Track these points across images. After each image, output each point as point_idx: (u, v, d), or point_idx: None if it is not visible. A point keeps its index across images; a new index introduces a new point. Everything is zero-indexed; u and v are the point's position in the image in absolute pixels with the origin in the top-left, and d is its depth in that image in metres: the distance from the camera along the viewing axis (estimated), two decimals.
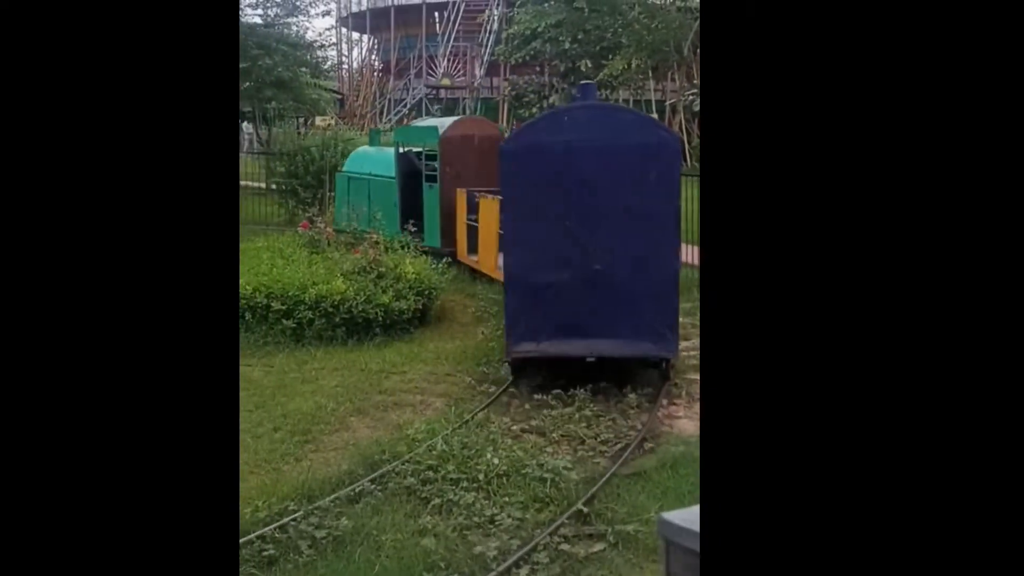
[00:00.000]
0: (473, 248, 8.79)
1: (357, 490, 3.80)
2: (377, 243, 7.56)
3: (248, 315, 6.45)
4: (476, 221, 8.53)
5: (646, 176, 5.56)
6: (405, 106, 24.65)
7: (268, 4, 21.18)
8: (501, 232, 6.85)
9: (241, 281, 6.54)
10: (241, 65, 20.08)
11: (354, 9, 29.82)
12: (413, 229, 8.76)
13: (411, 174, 10.08)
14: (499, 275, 7.14)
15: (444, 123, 9.81)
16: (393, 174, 10.19)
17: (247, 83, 20.71)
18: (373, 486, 3.85)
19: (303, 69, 21.51)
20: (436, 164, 9.51)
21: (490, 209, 7.98)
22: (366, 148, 12.01)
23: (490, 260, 8.13)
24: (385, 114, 26.39)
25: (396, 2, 27.03)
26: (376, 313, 6.60)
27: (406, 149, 10.26)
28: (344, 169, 11.34)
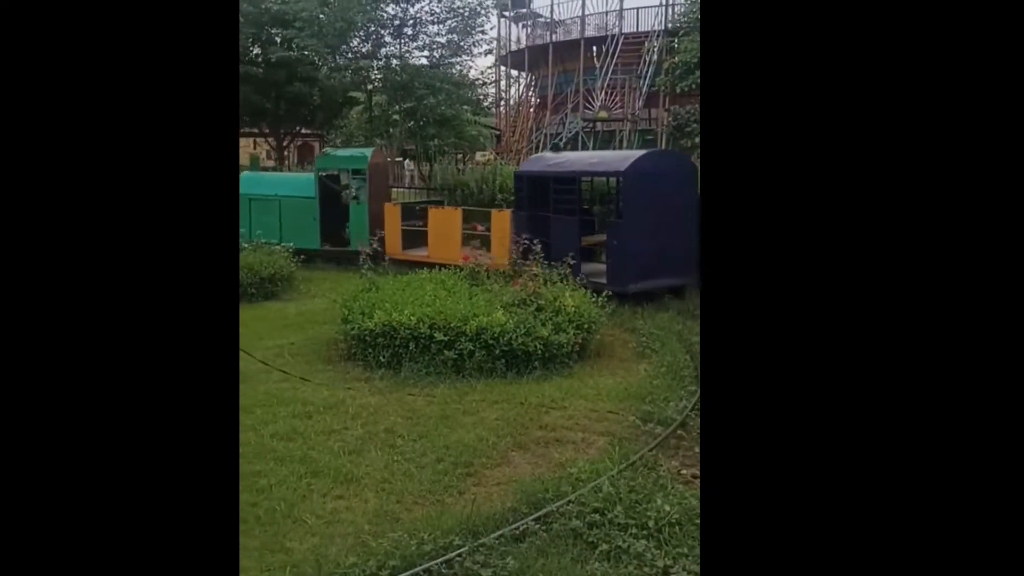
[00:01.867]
0: (411, 245, 12.23)
1: (521, 529, 3.72)
2: (536, 276, 7.58)
3: (412, 345, 6.64)
4: (418, 227, 12.17)
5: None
6: (561, 140, 24.97)
7: (434, 46, 22.31)
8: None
9: (406, 312, 6.77)
10: (406, 105, 21.29)
11: (513, 48, 30.80)
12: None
13: (329, 194, 13.13)
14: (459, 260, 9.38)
15: (630, 156, 9.78)
16: (307, 195, 13.07)
17: (411, 122, 21.85)
18: (537, 526, 3.76)
19: (464, 107, 22.40)
20: (364, 184, 12.78)
21: (446, 215, 11.85)
22: (254, 173, 14.45)
23: (451, 252, 11.19)
24: (541, 148, 26.87)
25: (555, 39, 27.61)
26: (536, 346, 6.58)
27: (326, 173, 13.19)
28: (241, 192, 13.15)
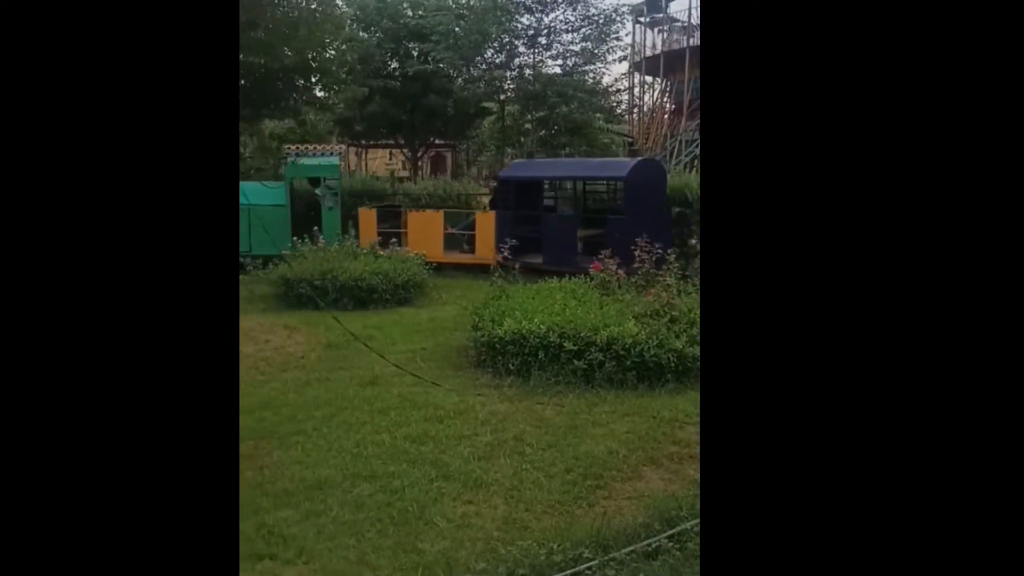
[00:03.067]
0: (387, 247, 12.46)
1: (654, 546, 3.64)
2: (669, 286, 7.43)
3: (541, 353, 6.67)
4: (392, 228, 13.25)
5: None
6: (697, 146, 24.38)
7: (568, 54, 22.44)
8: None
9: (535, 320, 6.81)
10: (538, 113, 21.53)
11: (648, 53, 30.44)
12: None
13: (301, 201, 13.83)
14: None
15: (626, 164, 12.01)
16: (273, 202, 13.60)
17: (543, 131, 22.05)
18: (671, 544, 3.66)
19: (597, 114, 22.33)
20: (336, 190, 13.55)
21: (428, 218, 13.50)
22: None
23: (433, 251, 12.75)
24: (676, 155, 26.36)
25: (692, 43, 27.05)
26: (669, 358, 6.44)
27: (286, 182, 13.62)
28: None
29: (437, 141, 26.19)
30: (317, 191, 13.92)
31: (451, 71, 21.84)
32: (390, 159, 30.48)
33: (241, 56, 15.52)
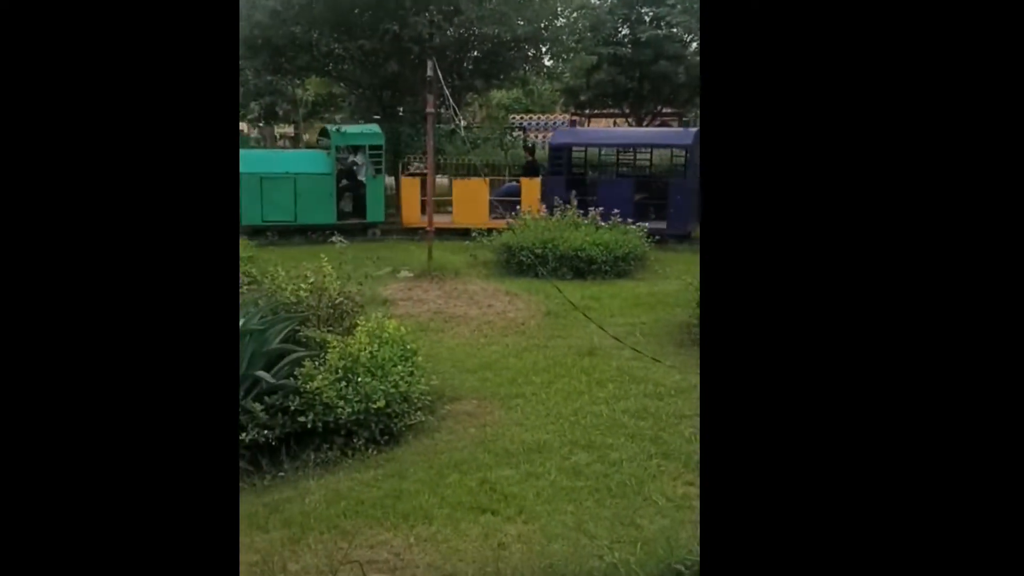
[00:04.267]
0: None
1: None
2: None
3: None
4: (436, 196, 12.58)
5: None
6: None
7: None
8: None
9: None
10: None
11: None
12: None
13: (343, 170, 13.85)
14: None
15: (688, 133, 13.48)
16: (319, 171, 13.66)
17: None
18: None
19: None
20: (381, 158, 13.94)
21: (473, 185, 14.23)
22: (255, 151, 15.21)
23: (479, 217, 13.40)
24: None
25: None
26: None
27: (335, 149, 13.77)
28: (241, 170, 13.70)
29: (665, 110, 25.65)
30: (356, 159, 14.13)
31: (685, 36, 21.19)
32: (613, 127, 30.36)
33: (475, 28, 16.17)
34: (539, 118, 16.00)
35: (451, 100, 13.01)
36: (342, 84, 19.25)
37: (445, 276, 9.97)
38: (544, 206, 12.75)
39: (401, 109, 17.61)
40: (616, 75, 22.00)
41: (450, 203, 14.62)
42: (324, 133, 15.57)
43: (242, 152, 13.88)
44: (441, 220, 14.17)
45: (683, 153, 14.35)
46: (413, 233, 13.73)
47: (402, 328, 5.69)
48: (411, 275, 10.23)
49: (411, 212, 14.22)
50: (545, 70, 20.25)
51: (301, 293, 5.84)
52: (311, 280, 5.99)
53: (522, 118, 16.12)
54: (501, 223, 14.17)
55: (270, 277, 6.23)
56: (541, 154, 17.13)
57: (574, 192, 12.23)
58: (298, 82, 20.30)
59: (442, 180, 16.85)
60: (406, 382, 5.07)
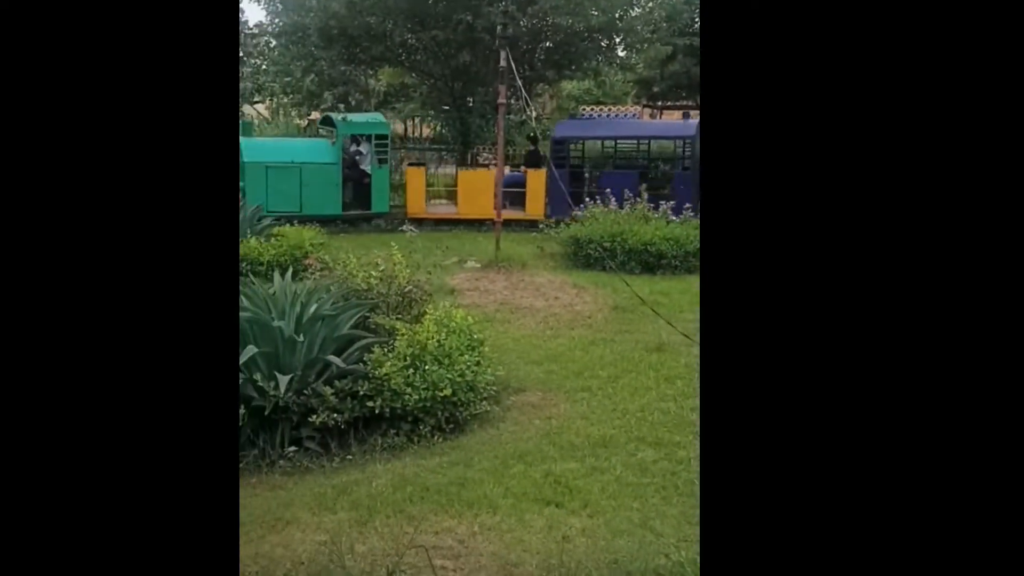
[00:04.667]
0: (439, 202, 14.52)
1: None
2: None
3: None
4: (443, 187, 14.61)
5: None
6: None
7: None
8: None
9: None
10: None
11: None
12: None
13: (347, 160, 13.70)
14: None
15: (690, 125, 13.27)
16: (324, 160, 13.52)
17: None
18: None
19: None
20: (386, 148, 14.08)
21: (479, 176, 14.71)
22: (259, 139, 14.73)
23: (484, 208, 13.38)
24: None
25: None
26: None
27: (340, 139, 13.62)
28: (246, 160, 12.96)
29: None
30: (360, 148, 13.96)
31: None
32: (685, 119, 29.83)
33: (549, 18, 16.12)
34: (610, 110, 15.83)
35: (523, 91, 13.02)
36: (414, 74, 19.46)
37: (512, 267, 10.01)
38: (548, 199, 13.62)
39: (471, 100, 17.71)
40: (691, 66, 21.62)
41: (454, 194, 14.75)
42: (327, 121, 15.41)
43: (247, 140, 13.60)
44: (446, 211, 14.52)
45: (685, 144, 14.63)
46: (419, 224, 13.55)
47: (469, 318, 5.75)
48: (478, 265, 10.30)
49: (416, 202, 14.27)
50: (618, 61, 20.07)
51: (371, 280, 5.95)
52: (381, 268, 6.10)
53: (592, 109, 15.94)
54: (509, 214, 14.35)
55: (342, 264, 6.37)
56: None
57: (575, 183, 13.01)
58: (371, 72, 20.62)
59: (448, 170, 16.93)
60: (472, 371, 5.11)
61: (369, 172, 13.95)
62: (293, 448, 4.65)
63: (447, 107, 18.61)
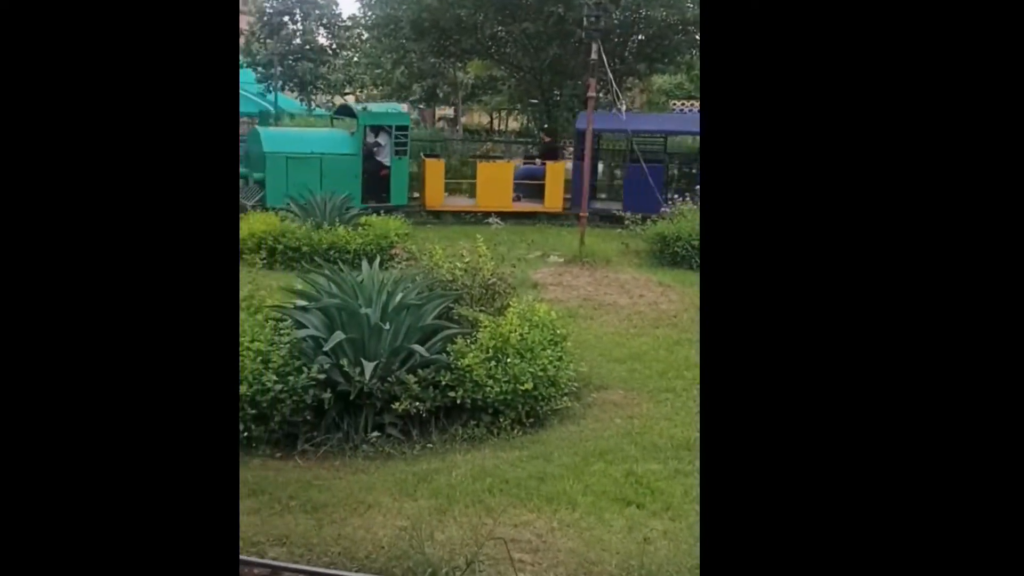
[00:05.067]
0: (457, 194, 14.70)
1: None
2: None
3: None
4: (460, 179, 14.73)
5: None
6: None
7: None
8: None
9: None
10: None
11: None
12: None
13: (366, 151, 13.44)
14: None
15: None
16: (344, 151, 13.31)
17: None
18: None
19: None
20: (406, 139, 13.70)
21: (498, 168, 14.66)
22: (281, 129, 14.49)
23: (503, 200, 13.84)
24: None
25: None
26: None
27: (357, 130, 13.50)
28: (267, 150, 12.86)
29: None
30: (379, 140, 13.67)
31: None
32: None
33: (642, 11, 15.91)
34: (692, 104, 15.57)
35: (613, 84, 12.91)
36: (503, 67, 19.56)
37: (596, 263, 9.95)
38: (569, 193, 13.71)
39: (559, 93, 17.67)
40: None
41: (470, 186, 14.74)
42: (344, 111, 15.28)
43: (266, 130, 13.65)
44: (464, 203, 14.38)
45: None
46: (435, 216, 13.97)
47: (552, 313, 5.74)
48: (561, 260, 10.28)
49: (434, 194, 14.20)
50: None
51: (456, 272, 6.02)
52: (466, 259, 6.16)
53: (683, 104, 15.69)
54: (527, 207, 14.50)
55: (428, 255, 6.46)
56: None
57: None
58: (460, 65, 20.84)
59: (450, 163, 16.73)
60: (554, 366, 5.11)
61: (388, 164, 13.74)
62: (376, 433, 4.75)
63: (535, 100, 18.63)
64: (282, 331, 5.07)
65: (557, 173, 14.55)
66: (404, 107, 16.37)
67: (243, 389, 4.53)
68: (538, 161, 15.37)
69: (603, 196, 15.51)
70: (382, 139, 13.72)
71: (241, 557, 3.32)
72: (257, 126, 14.21)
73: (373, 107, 14.88)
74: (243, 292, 5.83)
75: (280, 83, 20.64)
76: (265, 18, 21.12)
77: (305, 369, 4.70)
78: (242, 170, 13.14)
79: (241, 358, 4.69)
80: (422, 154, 15.08)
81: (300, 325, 5.18)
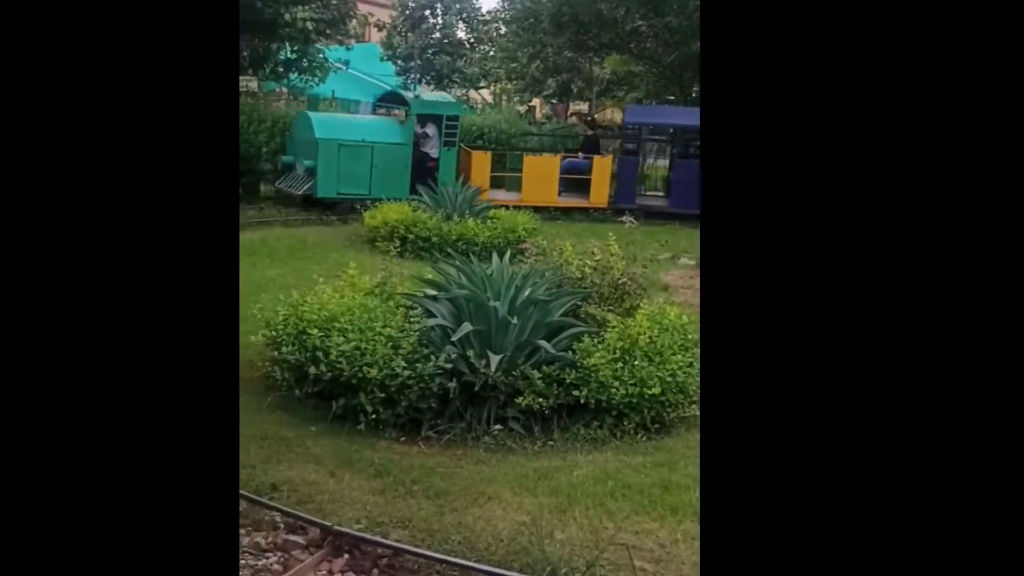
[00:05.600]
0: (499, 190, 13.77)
1: None
2: None
3: None
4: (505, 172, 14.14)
5: None
6: None
7: None
8: None
9: None
10: None
11: None
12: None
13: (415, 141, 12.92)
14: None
15: None
16: (395, 140, 12.75)
17: None
18: None
19: None
20: (456, 130, 13.16)
21: (543, 161, 14.22)
22: (330, 115, 13.84)
23: (548, 195, 13.76)
24: None
25: None
26: None
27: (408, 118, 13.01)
28: (319, 136, 12.21)
29: None
30: (427, 130, 13.06)
31: None
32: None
33: None
34: None
35: None
36: (641, 62, 19.33)
37: None
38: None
39: (698, 89, 17.28)
40: None
41: (515, 180, 14.14)
42: (391, 98, 14.52)
43: (316, 116, 13.06)
44: (508, 198, 13.66)
45: None
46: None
47: (684, 316, 5.61)
48: (692, 263, 10.05)
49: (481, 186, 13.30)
50: None
51: (586, 269, 5.99)
52: (597, 258, 6.12)
53: None
54: (569, 202, 13.96)
55: (558, 251, 6.47)
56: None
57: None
58: (597, 60, 20.75)
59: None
60: (684, 372, 4.99)
61: (435, 155, 13.16)
62: (498, 426, 4.80)
63: (672, 96, 18.30)
64: (412, 319, 5.21)
65: (604, 167, 14.07)
66: (485, 95, 15.96)
67: (373, 372, 4.69)
68: (580, 155, 14.85)
69: (647, 191, 15.17)
70: (430, 129, 13.14)
71: (365, 535, 3.45)
72: (307, 111, 13.55)
73: (424, 95, 14.05)
74: (376, 279, 6.06)
75: (418, 76, 21.26)
76: (407, 12, 21.81)
77: (433, 357, 4.81)
78: (286, 157, 12.90)
79: (372, 343, 4.87)
80: (461, 145, 14.00)
81: (430, 314, 5.31)
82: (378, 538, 3.45)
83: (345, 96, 18.54)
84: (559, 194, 14.14)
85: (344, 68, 16.34)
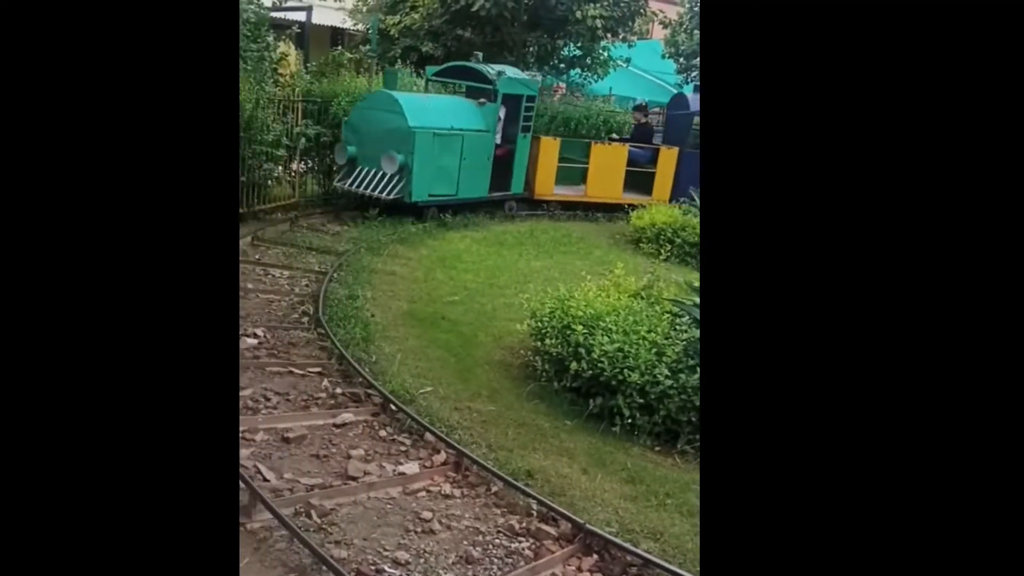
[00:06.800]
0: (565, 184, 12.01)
1: None
2: None
3: None
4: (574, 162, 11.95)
5: None
6: None
7: None
8: None
9: None
10: None
11: None
12: None
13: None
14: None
15: None
16: (480, 127, 10.39)
17: None
18: None
19: None
20: (532, 113, 11.05)
21: (611, 152, 12.24)
22: (413, 95, 10.54)
23: (614, 191, 12.32)
24: None
25: None
26: None
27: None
28: (412, 125, 9.58)
29: None
30: (501, 113, 10.83)
31: None
32: None
33: None
34: None
35: None
36: None
37: None
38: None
39: None
40: None
41: (574, 172, 12.13)
42: (455, 72, 11.40)
43: (403, 97, 10.05)
44: (572, 193, 12.04)
45: None
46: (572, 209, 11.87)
47: None
48: None
49: (545, 181, 11.80)
50: None
51: None
52: None
53: None
54: (631, 199, 11.93)
55: None
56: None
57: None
58: None
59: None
60: None
61: (511, 144, 11.01)
62: None
63: None
64: (679, 327, 5.16)
65: (669, 160, 12.60)
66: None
67: (635, 377, 4.72)
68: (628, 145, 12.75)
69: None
70: (501, 112, 10.82)
71: (616, 540, 3.48)
72: (390, 90, 10.36)
73: (510, 71, 11.03)
74: (642, 282, 6.08)
75: (698, 74, 20.96)
76: (696, 9, 21.55)
77: (698, 370, 4.73)
78: (350, 147, 10.06)
79: (636, 346, 4.90)
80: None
81: (697, 323, 5.23)
82: (628, 545, 3.47)
83: (621, 93, 18.76)
84: (626, 190, 12.46)
85: (625, 65, 16.51)
